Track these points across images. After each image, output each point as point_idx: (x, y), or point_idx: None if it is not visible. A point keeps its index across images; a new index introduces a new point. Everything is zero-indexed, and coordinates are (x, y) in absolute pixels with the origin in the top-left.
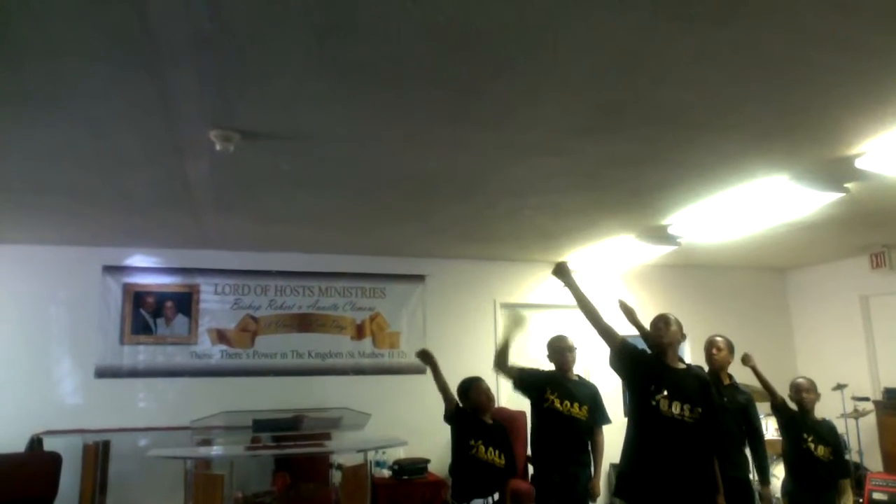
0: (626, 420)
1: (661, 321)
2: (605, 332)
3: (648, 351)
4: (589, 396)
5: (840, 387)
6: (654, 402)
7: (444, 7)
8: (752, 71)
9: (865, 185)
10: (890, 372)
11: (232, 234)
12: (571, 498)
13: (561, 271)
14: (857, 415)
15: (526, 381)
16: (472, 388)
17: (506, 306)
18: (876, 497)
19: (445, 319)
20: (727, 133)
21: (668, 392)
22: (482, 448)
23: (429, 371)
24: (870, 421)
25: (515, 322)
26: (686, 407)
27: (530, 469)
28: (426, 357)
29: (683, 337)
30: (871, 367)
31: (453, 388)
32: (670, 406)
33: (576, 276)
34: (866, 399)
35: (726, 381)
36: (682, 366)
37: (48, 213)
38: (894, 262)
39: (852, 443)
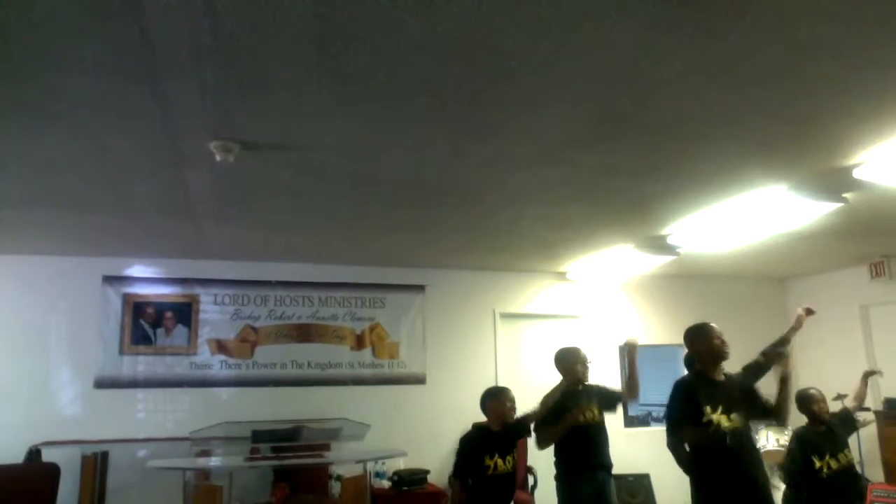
0: (624, 430)
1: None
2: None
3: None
4: (596, 396)
5: (840, 397)
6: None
7: (442, 18)
8: (750, 82)
9: (864, 194)
10: (891, 382)
11: (231, 244)
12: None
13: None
14: (858, 425)
15: (546, 420)
16: (500, 395)
17: (505, 316)
18: None
19: (445, 329)
20: (725, 144)
21: (722, 407)
22: (500, 462)
23: (429, 381)
24: (870, 431)
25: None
26: (734, 416)
27: (530, 480)
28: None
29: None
30: (872, 377)
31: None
32: (729, 419)
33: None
34: (867, 409)
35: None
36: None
37: (49, 224)
38: (893, 271)
39: (853, 454)
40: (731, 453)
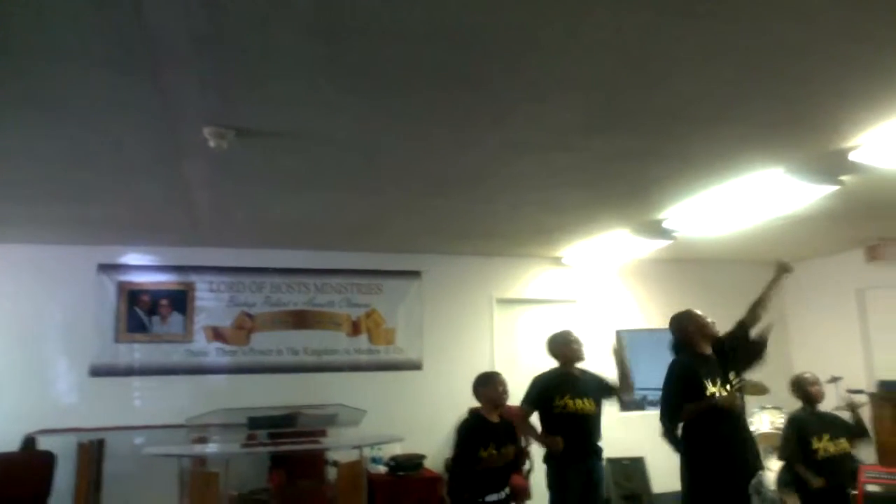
0: (619, 414)
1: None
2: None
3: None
4: (594, 386)
5: (835, 379)
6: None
7: (446, 5)
8: (749, 65)
9: (860, 177)
10: (884, 364)
11: (227, 231)
12: (587, 489)
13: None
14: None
15: (535, 404)
16: (492, 380)
17: (502, 301)
18: (870, 489)
19: (442, 315)
20: (727, 126)
21: (720, 380)
22: (494, 454)
23: (425, 367)
24: (864, 413)
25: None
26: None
27: (526, 464)
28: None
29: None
30: (867, 359)
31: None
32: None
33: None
34: (860, 391)
35: None
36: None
37: (44, 213)
38: (890, 254)
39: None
40: (724, 422)
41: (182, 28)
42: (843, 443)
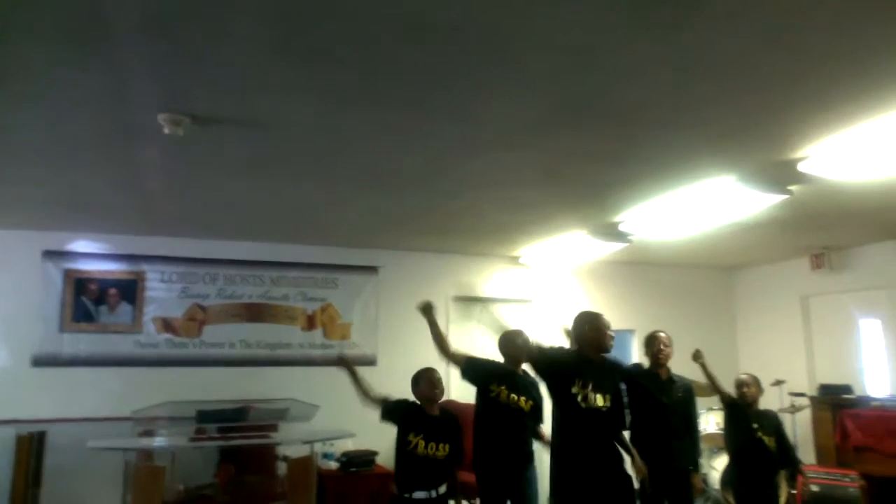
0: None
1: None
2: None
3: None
4: (533, 391)
5: (779, 382)
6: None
7: None
8: (705, 73)
9: (808, 188)
10: (825, 369)
11: (181, 220)
12: (518, 496)
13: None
14: (794, 409)
15: (475, 368)
16: (423, 378)
17: (458, 299)
18: (810, 489)
19: (398, 311)
20: (679, 133)
21: (593, 384)
22: (422, 443)
23: (380, 363)
24: (805, 416)
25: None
26: (608, 397)
27: None
28: (342, 362)
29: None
30: (809, 363)
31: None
32: (594, 399)
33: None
34: (802, 395)
35: (665, 376)
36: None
37: None
38: (833, 263)
39: (788, 436)
40: (587, 427)
41: (133, 3)
42: (772, 442)
